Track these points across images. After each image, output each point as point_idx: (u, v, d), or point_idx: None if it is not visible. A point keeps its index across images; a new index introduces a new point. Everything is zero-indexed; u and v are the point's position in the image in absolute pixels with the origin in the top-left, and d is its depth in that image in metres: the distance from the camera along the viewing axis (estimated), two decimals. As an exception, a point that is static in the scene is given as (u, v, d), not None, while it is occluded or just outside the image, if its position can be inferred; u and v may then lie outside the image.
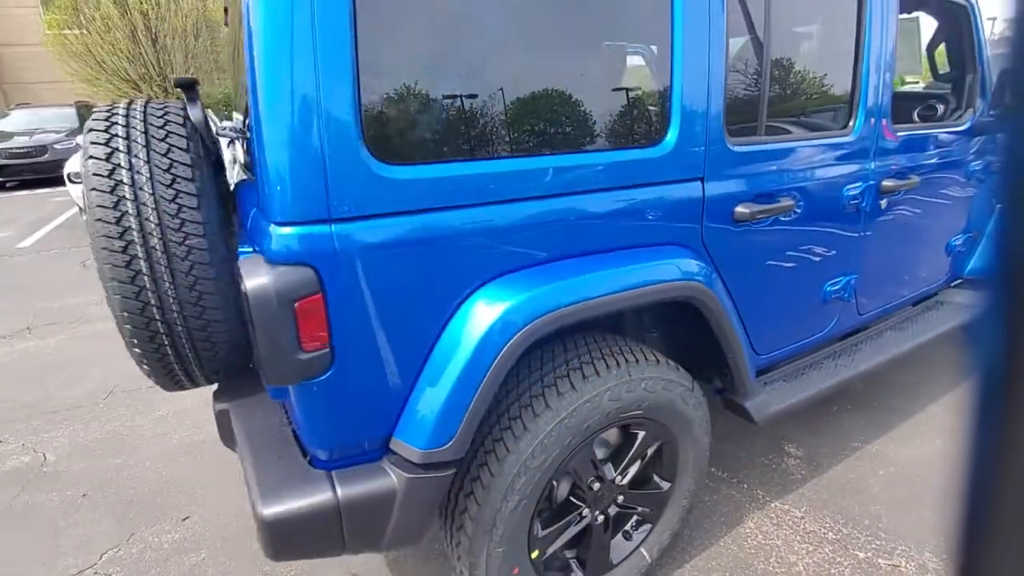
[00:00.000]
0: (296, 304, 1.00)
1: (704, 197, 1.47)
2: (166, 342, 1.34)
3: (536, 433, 1.25)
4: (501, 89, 1.18)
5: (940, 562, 1.78)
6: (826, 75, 1.85)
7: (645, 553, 1.65)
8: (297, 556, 1.25)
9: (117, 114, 1.34)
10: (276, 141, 0.97)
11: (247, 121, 1.21)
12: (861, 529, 1.93)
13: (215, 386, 1.61)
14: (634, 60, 1.45)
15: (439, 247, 1.12)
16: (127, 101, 1.43)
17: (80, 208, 6.77)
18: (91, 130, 1.31)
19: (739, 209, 1.53)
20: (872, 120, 1.80)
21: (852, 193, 1.82)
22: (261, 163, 1.01)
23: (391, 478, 1.16)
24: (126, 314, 1.27)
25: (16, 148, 10.54)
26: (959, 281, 2.71)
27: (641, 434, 1.49)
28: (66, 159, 10.37)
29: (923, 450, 2.33)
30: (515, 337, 1.13)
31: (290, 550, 1.16)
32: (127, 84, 14.33)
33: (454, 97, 1.15)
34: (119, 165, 1.26)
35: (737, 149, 1.51)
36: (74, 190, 6.59)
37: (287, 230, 1.01)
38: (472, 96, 1.16)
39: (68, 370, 3.32)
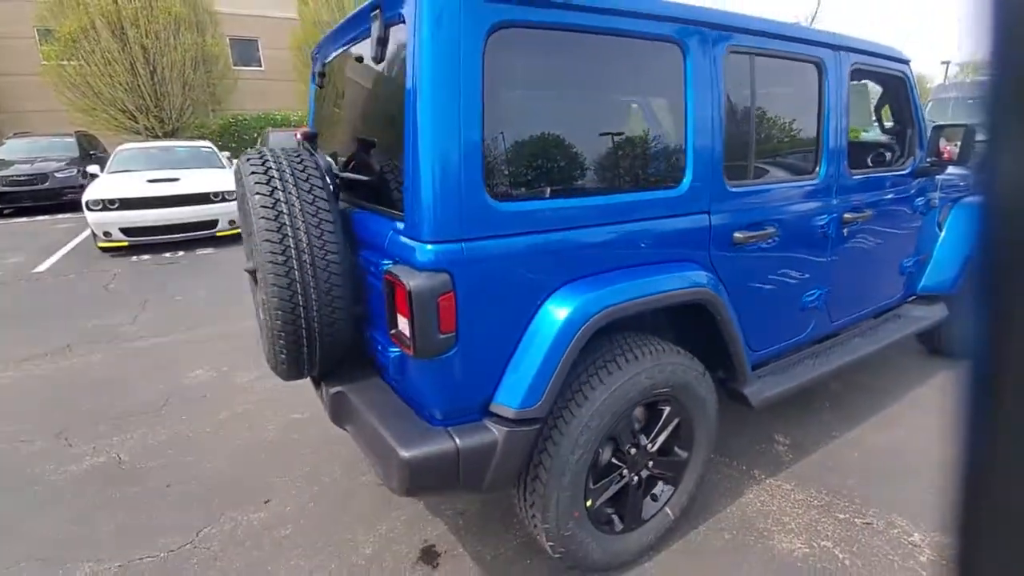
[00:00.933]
0: (439, 299, 1.40)
1: (710, 225, 1.92)
2: (305, 336, 1.72)
3: (593, 401, 1.65)
4: (570, 148, 1.63)
5: (905, 520, 2.20)
6: (799, 129, 2.36)
7: (669, 511, 2.04)
8: (423, 492, 1.60)
9: (268, 160, 1.75)
10: (429, 187, 1.40)
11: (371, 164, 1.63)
12: (840, 497, 2.34)
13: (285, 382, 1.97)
14: (664, 124, 1.92)
15: (529, 260, 1.54)
16: (269, 150, 1.84)
17: (94, 234, 7.01)
18: (253, 173, 1.71)
19: (736, 235, 1.99)
20: (833, 165, 2.31)
21: (820, 223, 2.30)
22: (416, 200, 1.43)
23: (493, 433, 1.54)
24: (281, 312, 1.65)
25: (16, 176, 10.68)
26: (913, 297, 3.21)
27: (667, 409, 1.90)
28: (68, 187, 10.64)
29: (889, 436, 2.78)
30: (586, 324, 1.54)
31: (420, 486, 1.52)
32: (123, 115, 14.67)
33: (537, 155, 1.60)
34: (280, 200, 1.66)
35: (733, 189, 1.98)
36: (92, 216, 6.86)
37: (433, 246, 1.42)
38: (549, 155, 1.61)
39: (119, 383, 3.59)
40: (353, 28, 1.88)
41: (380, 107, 1.76)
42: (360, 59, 1.81)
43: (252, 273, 2.00)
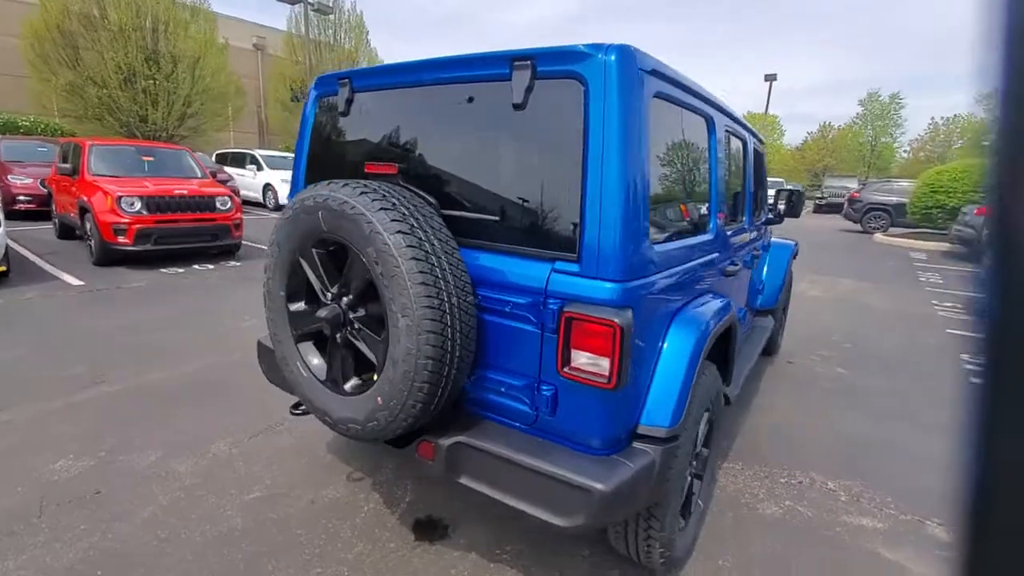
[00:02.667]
0: (629, 333, 1.53)
1: (717, 260, 2.43)
2: (443, 385, 1.61)
3: (698, 414, 1.95)
4: (678, 195, 1.95)
5: (817, 474, 3.00)
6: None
7: (700, 502, 2.42)
8: (613, 519, 1.62)
9: (389, 195, 1.62)
10: (619, 231, 1.53)
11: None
12: (773, 467, 3.06)
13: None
14: (703, 186, 2.38)
15: (665, 293, 1.78)
16: (374, 183, 1.69)
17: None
18: (383, 209, 1.56)
19: (729, 268, 2.55)
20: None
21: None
22: (604, 243, 1.54)
23: (649, 453, 1.70)
24: (432, 361, 1.53)
25: None
26: (756, 311, 4.34)
27: (707, 414, 2.31)
28: None
29: (770, 419, 3.69)
30: (706, 343, 1.84)
31: (612, 514, 1.57)
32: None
33: (662, 203, 1.87)
34: (423, 239, 1.56)
35: (728, 233, 2.54)
36: None
37: (620, 285, 1.54)
38: (670, 202, 1.90)
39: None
40: (445, 69, 1.86)
41: (521, 151, 1.79)
42: (471, 99, 1.81)
43: (328, 322, 1.74)
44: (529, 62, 1.63)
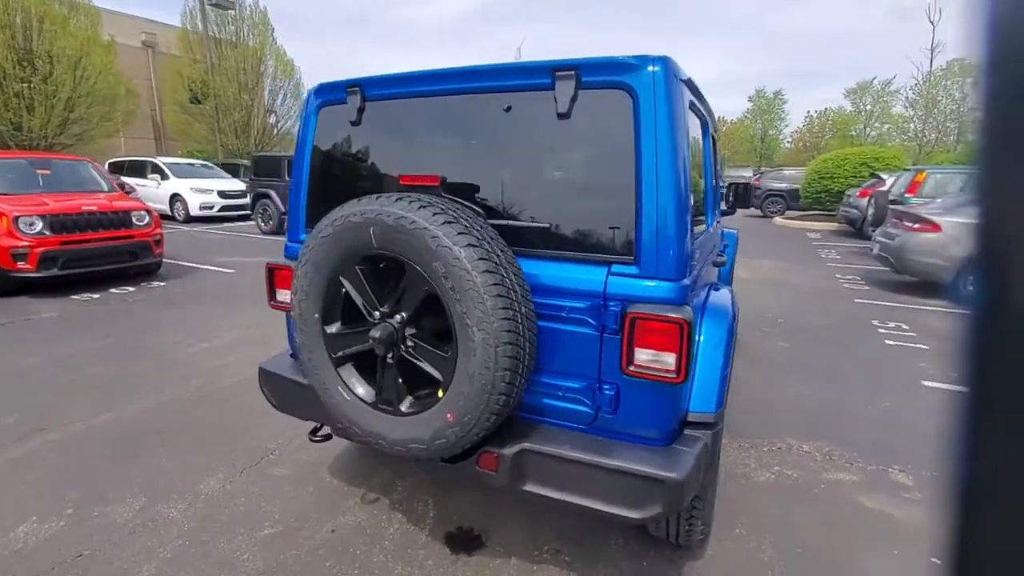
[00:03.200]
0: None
1: (714, 252, 2.62)
2: (516, 396, 1.63)
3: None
4: (696, 193, 2.08)
5: (791, 438, 3.32)
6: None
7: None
8: (684, 506, 1.70)
9: (448, 208, 1.61)
10: (674, 233, 1.62)
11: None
12: (753, 438, 3.35)
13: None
14: (702, 183, 2.54)
15: (697, 286, 1.90)
16: (435, 198, 1.66)
17: None
18: (447, 223, 1.54)
19: (717, 259, 2.75)
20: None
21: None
22: (662, 244, 1.62)
23: (701, 439, 1.81)
24: (510, 372, 1.54)
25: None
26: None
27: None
28: None
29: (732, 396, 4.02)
30: (734, 334, 1.99)
31: (684, 500, 1.65)
32: None
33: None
34: (491, 251, 1.56)
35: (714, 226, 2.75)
36: None
37: (678, 284, 1.64)
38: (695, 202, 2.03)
39: None
40: (476, 79, 1.86)
41: (568, 159, 1.82)
42: (508, 108, 1.82)
43: (380, 341, 1.69)
44: (573, 72, 1.68)
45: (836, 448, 3.22)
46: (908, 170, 11.82)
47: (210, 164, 15.28)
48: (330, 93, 2.18)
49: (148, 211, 6.89)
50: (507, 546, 2.35)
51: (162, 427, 3.32)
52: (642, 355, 1.65)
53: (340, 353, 1.86)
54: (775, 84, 67.31)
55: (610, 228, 1.72)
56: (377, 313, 1.76)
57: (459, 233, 1.53)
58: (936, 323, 5.92)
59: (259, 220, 12.17)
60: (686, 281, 1.68)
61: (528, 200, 1.83)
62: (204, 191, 13.54)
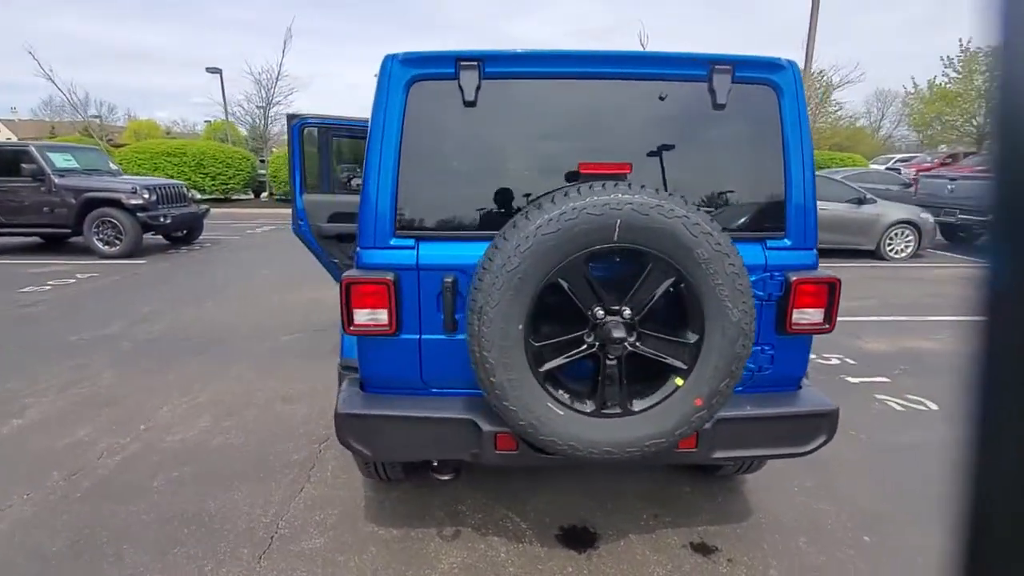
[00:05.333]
0: None
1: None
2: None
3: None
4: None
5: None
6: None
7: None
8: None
9: (675, 198, 1.61)
10: (813, 208, 1.94)
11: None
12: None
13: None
14: None
15: None
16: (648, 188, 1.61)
17: None
18: (698, 209, 1.55)
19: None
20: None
21: None
22: (809, 219, 1.91)
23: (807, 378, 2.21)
24: (749, 346, 1.66)
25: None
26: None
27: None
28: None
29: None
30: None
31: (836, 428, 1.99)
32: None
33: None
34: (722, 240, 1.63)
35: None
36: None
37: (813, 251, 1.96)
38: None
39: None
40: (628, 64, 1.82)
41: (723, 146, 1.90)
42: (663, 97, 1.84)
43: (613, 340, 1.60)
44: (730, 67, 1.82)
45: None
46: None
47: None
48: (428, 65, 1.80)
49: None
50: (615, 526, 2.41)
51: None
52: (800, 315, 1.95)
53: (548, 365, 1.63)
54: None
55: (760, 208, 1.94)
56: (600, 312, 1.62)
57: (712, 219, 1.55)
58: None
59: (95, 240, 8.29)
60: (816, 249, 2.03)
61: (687, 186, 1.89)
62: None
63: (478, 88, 1.80)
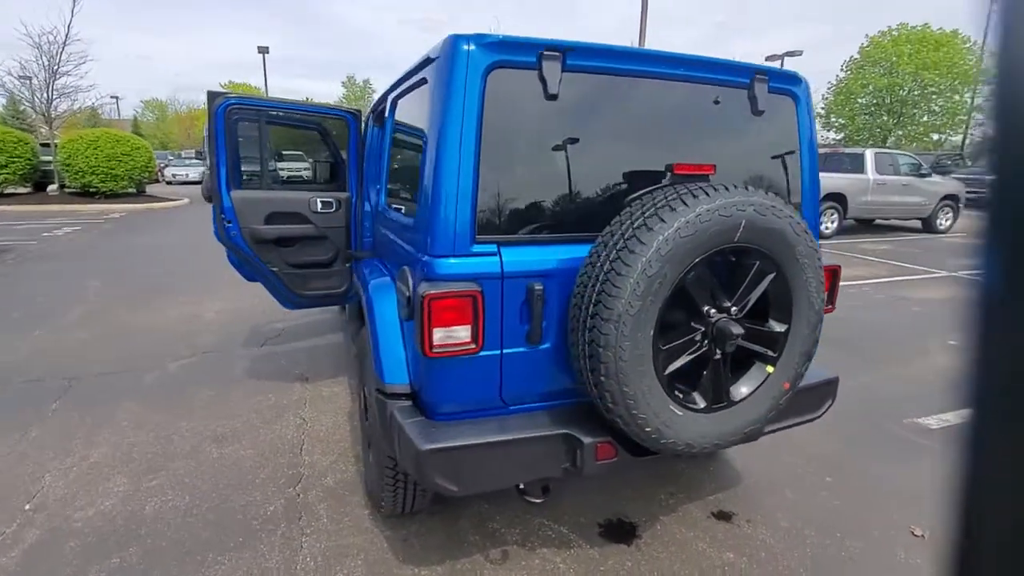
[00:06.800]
0: None
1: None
2: None
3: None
4: None
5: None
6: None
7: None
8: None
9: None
10: (817, 209, 2.21)
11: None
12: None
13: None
14: None
15: None
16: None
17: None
18: (796, 209, 1.67)
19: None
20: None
21: None
22: (816, 218, 2.18)
23: None
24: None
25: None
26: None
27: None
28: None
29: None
30: None
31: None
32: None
33: None
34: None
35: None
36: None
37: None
38: None
39: None
40: (690, 67, 1.87)
41: (759, 149, 2.01)
42: (718, 101, 1.92)
43: (729, 336, 1.67)
44: (766, 77, 1.98)
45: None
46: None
47: None
48: (509, 52, 1.62)
49: None
50: (643, 512, 2.51)
51: None
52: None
53: (672, 368, 1.61)
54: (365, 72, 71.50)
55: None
56: (713, 311, 1.64)
57: (803, 218, 1.68)
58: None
59: None
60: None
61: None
62: None
63: (559, 81, 1.69)
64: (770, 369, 1.82)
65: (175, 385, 3.73)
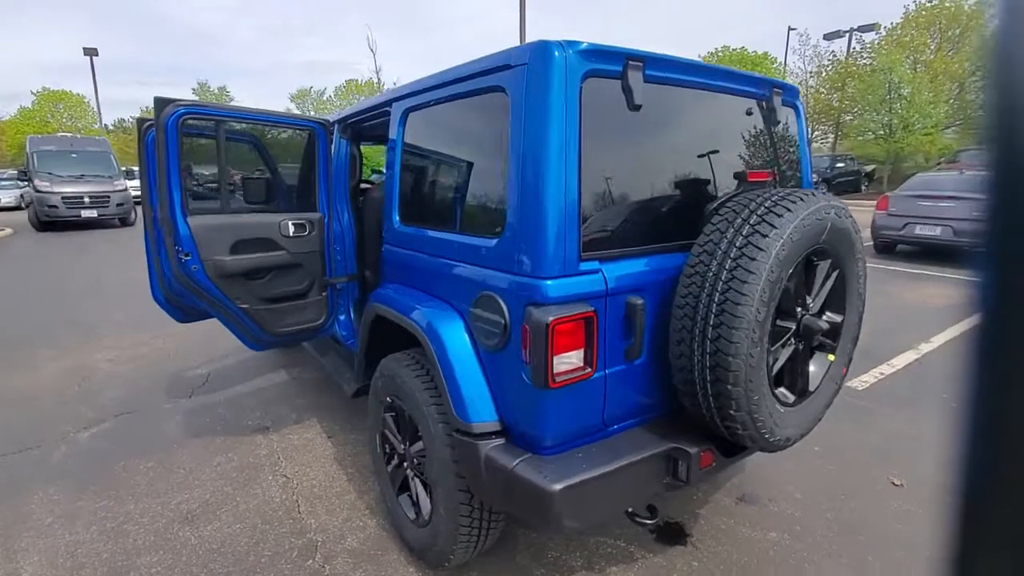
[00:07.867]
0: None
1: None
2: None
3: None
4: None
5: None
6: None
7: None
8: None
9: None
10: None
11: None
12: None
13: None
14: None
15: None
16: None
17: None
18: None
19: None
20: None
21: None
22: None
23: None
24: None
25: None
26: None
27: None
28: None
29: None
30: None
31: None
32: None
33: None
34: None
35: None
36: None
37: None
38: None
39: None
40: (729, 79, 1.96)
41: (776, 157, 2.13)
42: (750, 112, 2.03)
43: (815, 331, 1.78)
44: (781, 90, 2.16)
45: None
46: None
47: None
48: (602, 59, 1.55)
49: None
50: (682, 510, 2.58)
51: None
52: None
53: (776, 367, 1.65)
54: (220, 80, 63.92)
55: None
56: (799, 310, 1.72)
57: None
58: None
59: None
60: None
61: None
62: None
63: (640, 90, 1.66)
64: (831, 357, 1.98)
65: (95, 460, 3.00)
